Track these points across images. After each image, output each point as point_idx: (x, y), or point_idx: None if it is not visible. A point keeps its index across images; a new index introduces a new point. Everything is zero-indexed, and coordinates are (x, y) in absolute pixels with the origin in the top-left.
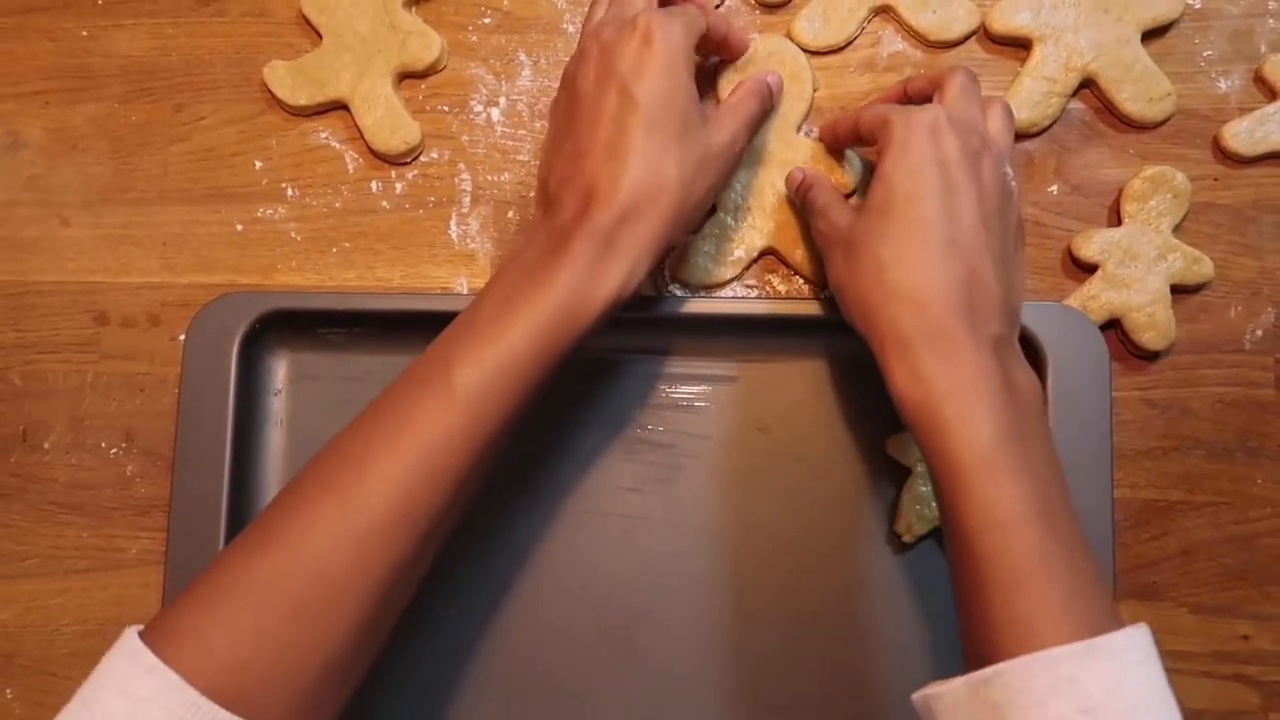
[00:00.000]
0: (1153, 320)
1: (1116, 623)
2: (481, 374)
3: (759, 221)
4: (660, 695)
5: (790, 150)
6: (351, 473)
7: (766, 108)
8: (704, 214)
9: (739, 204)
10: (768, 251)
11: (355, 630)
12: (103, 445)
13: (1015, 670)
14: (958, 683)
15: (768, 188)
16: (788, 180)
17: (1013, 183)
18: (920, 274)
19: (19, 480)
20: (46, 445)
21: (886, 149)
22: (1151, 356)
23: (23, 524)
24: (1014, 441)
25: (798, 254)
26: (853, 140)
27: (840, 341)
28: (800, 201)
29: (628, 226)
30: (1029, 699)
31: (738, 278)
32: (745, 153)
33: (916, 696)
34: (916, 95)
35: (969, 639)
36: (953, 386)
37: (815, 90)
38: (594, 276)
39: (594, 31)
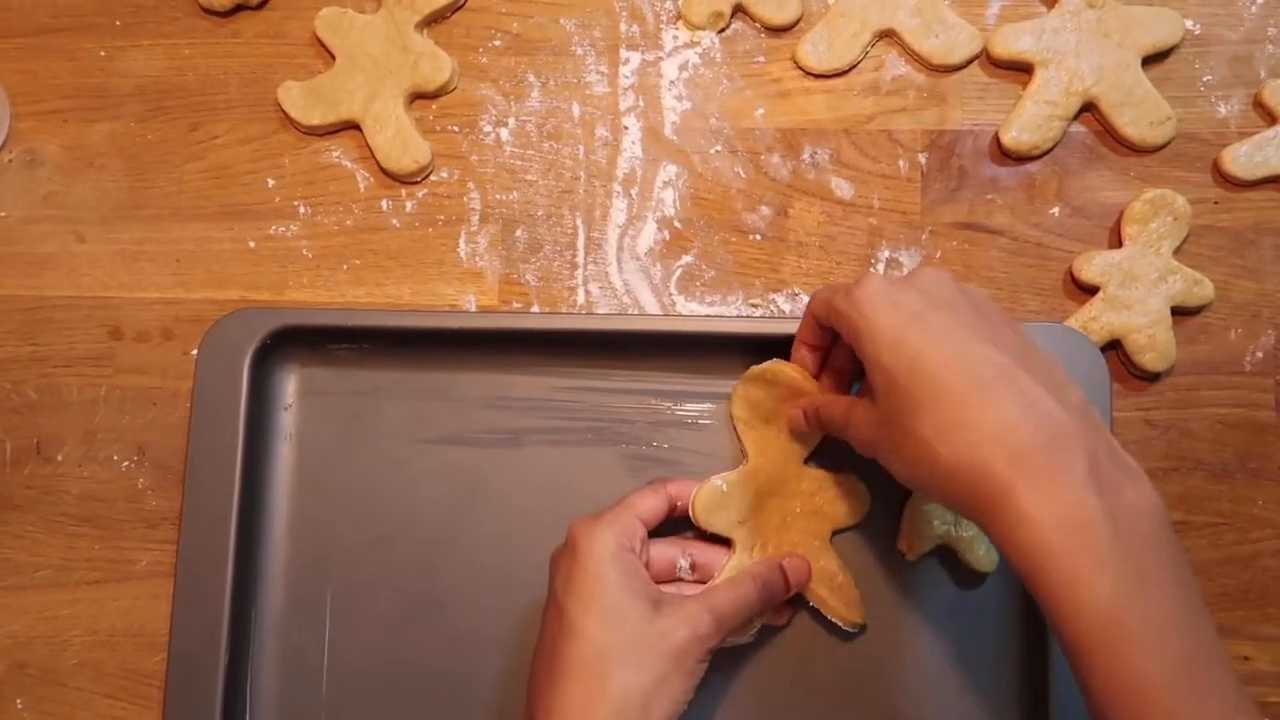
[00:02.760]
0: (1153, 341)
1: None
2: None
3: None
4: None
5: (799, 481)
6: None
7: (772, 602)
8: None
9: (754, 543)
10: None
11: None
12: (115, 458)
13: None
14: None
15: (778, 521)
16: (791, 426)
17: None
18: (967, 436)
19: (32, 492)
20: (60, 458)
21: (856, 333)
22: (1152, 377)
23: (35, 535)
24: (1136, 589)
25: (821, 590)
26: (821, 343)
27: None
28: (817, 430)
29: None
30: None
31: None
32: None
33: None
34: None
35: None
36: (1047, 547)
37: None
38: None
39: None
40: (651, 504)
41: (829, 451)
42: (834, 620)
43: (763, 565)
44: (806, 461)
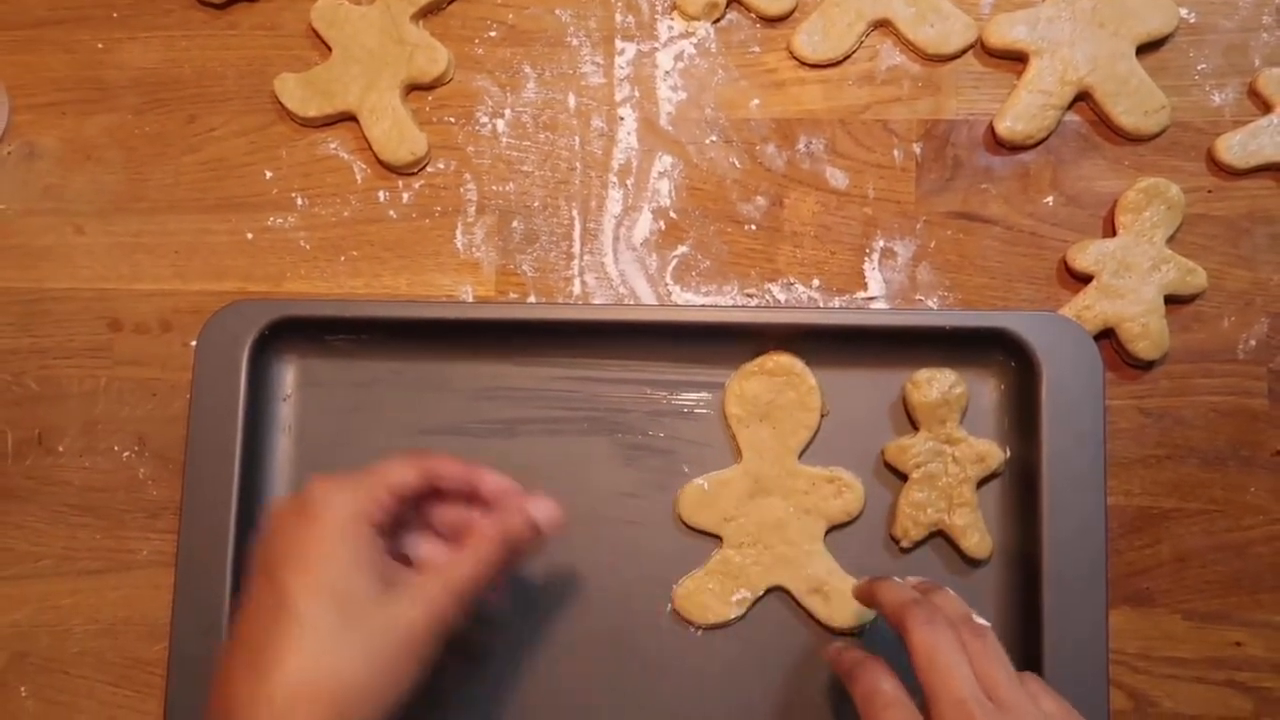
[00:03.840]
0: (1146, 330)
1: None
2: None
3: (765, 558)
4: (660, 697)
5: (793, 479)
6: None
7: (517, 560)
8: (399, 703)
9: (743, 539)
10: (776, 589)
11: None
12: (115, 449)
13: None
14: None
15: (772, 520)
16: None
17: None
18: None
19: (33, 483)
20: (61, 449)
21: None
22: (1146, 366)
23: (37, 525)
24: None
25: (814, 599)
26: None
27: (838, 349)
28: None
29: None
30: None
31: (742, 617)
32: None
33: None
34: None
35: None
36: None
37: (824, 414)
38: None
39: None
40: (403, 475)
41: (823, 449)
42: (827, 626)
43: (502, 519)
44: (802, 460)
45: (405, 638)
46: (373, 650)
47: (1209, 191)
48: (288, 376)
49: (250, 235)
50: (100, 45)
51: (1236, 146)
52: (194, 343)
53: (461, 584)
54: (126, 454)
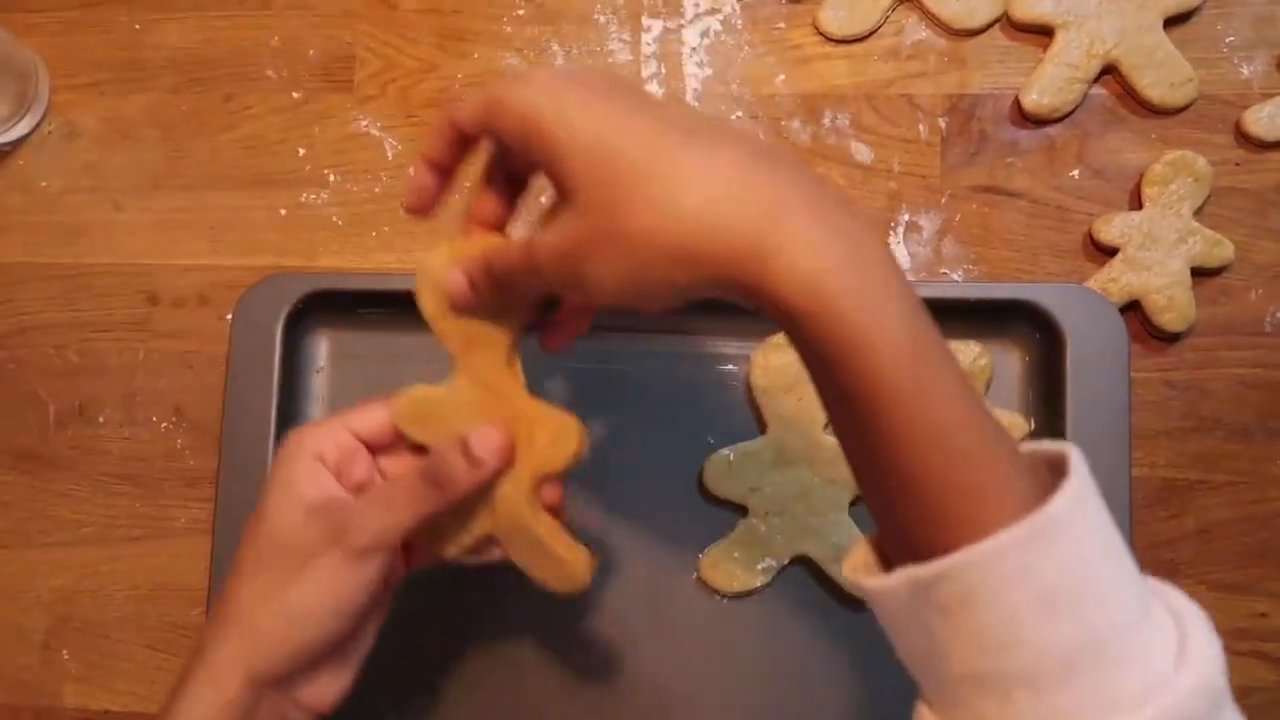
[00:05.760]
0: (1172, 302)
1: (1042, 470)
2: None
3: (789, 528)
4: (687, 663)
5: (818, 450)
6: None
7: (450, 499)
8: (368, 641)
9: (769, 508)
10: (800, 558)
11: None
12: (154, 419)
13: (964, 567)
14: (895, 582)
15: (797, 490)
16: (455, 301)
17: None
18: (702, 196)
19: (75, 452)
20: (101, 419)
21: (537, 132)
22: (1171, 338)
23: (79, 494)
24: (923, 316)
25: (838, 568)
26: (448, 162)
27: None
28: (494, 292)
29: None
30: (982, 597)
31: (767, 586)
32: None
33: (847, 572)
34: None
35: (885, 522)
36: (831, 290)
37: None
38: None
39: None
40: (371, 418)
41: None
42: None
43: (434, 454)
44: (827, 431)
45: (325, 577)
46: (285, 568)
47: (1236, 164)
48: (321, 349)
49: (284, 211)
50: (138, 26)
51: (1265, 119)
52: (230, 316)
53: (386, 527)
54: (165, 424)
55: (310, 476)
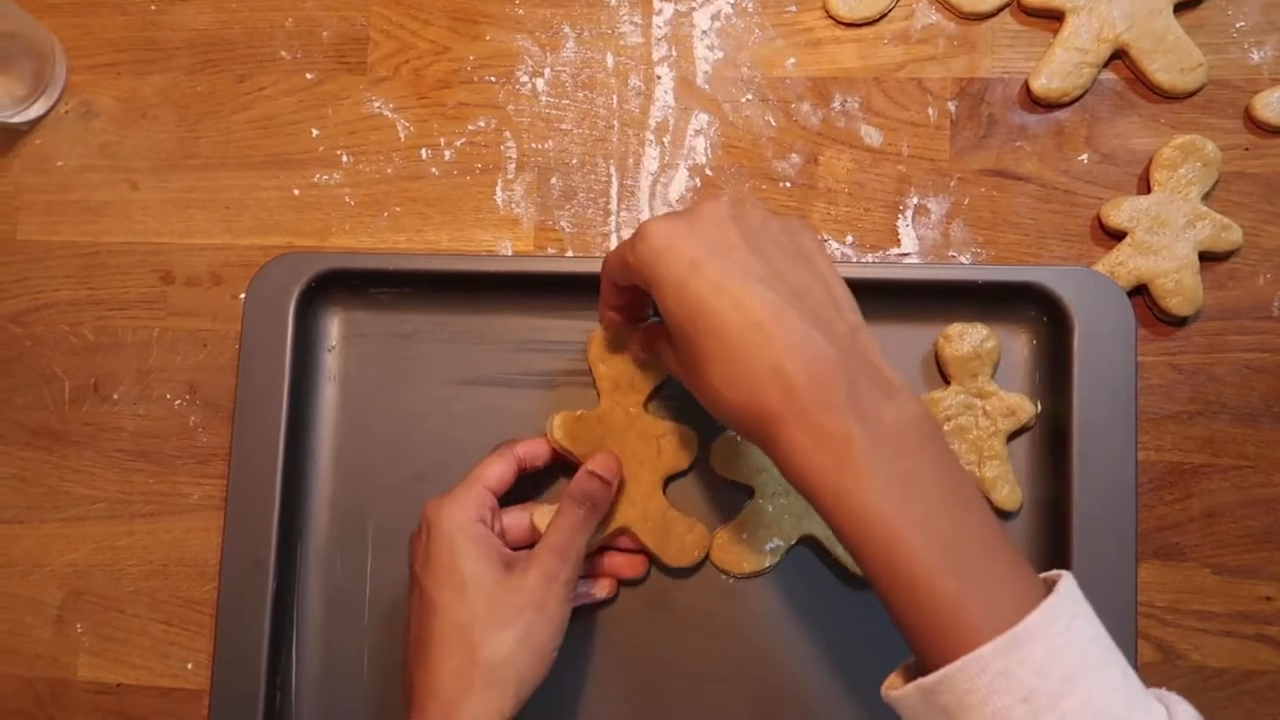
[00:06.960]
0: (1180, 286)
1: (1036, 592)
2: None
3: (796, 508)
4: (695, 643)
5: None
6: None
7: (599, 510)
8: (550, 658)
9: (775, 489)
10: (807, 538)
11: None
12: (168, 397)
13: (956, 676)
14: (910, 689)
15: None
16: (632, 353)
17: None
18: (746, 381)
19: (90, 429)
20: (116, 396)
21: (647, 286)
22: (1179, 322)
23: (93, 470)
24: (898, 495)
25: (840, 548)
26: (623, 302)
27: (871, 304)
28: (654, 360)
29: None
30: (973, 699)
31: (775, 566)
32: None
33: (884, 692)
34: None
35: (908, 640)
36: (816, 469)
37: None
38: None
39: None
40: (498, 471)
41: None
42: (855, 573)
43: (574, 483)
44: None
45: (532, 602)
46: (504, 620)
47: (1246, 149)
48: (333, 328)
49: (297, 191)
50: (154, 7)
51: (1275, 104)
52: (243, 295)
53: (558, 541)
54: (178, 402)
55: (489, 538)
